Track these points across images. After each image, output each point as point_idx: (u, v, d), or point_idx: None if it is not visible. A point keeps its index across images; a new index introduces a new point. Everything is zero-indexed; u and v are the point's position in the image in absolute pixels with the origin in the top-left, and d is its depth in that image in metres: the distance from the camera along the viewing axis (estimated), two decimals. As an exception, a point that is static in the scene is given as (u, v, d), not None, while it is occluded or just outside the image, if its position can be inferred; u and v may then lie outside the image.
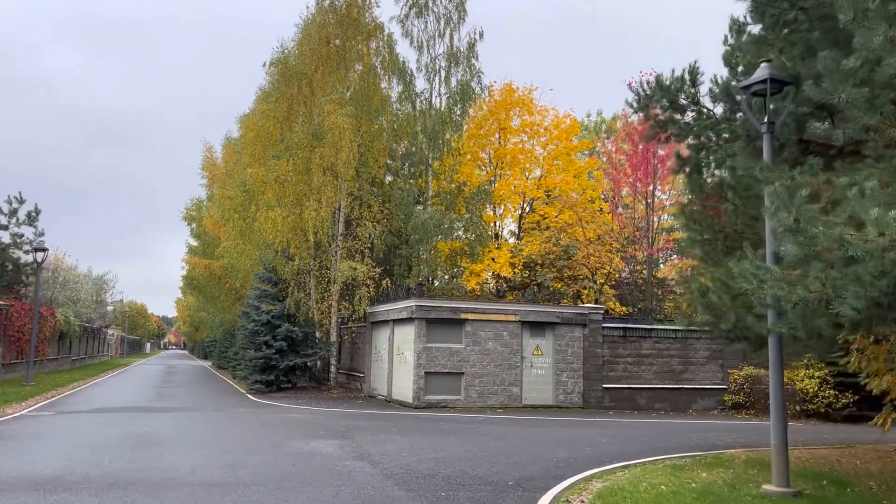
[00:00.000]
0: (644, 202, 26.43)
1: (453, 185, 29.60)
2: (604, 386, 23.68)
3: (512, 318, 22.94)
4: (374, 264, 27.38)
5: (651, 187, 26.05)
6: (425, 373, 21.94)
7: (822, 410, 22.40)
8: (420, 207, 28.20)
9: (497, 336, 22.76)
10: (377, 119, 28.55)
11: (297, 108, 27.90)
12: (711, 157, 11.16)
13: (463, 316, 22.44)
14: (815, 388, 22.34)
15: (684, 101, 12.47)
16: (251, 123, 31.10)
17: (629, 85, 13.04)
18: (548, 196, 31.05)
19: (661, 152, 26.05)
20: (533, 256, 27.89)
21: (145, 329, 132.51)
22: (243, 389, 28.19)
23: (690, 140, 12.50)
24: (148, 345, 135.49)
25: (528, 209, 31.87)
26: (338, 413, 19.96)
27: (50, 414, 18.38)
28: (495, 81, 31.64)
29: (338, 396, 26.16)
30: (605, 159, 33.79)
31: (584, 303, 25.79)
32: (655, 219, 26.65)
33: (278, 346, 26.94)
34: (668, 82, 12.75)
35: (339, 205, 28.17)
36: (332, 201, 26.86)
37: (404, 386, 22.94)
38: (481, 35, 30.01)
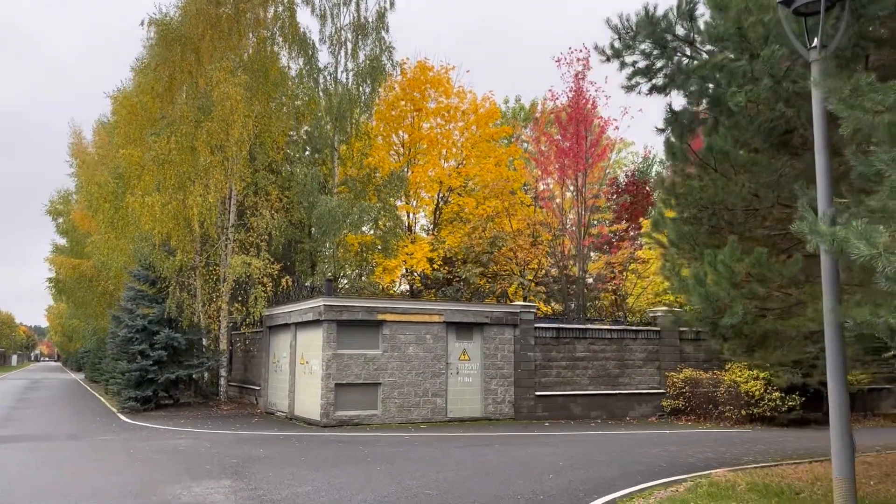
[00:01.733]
0: (574, 191, 24.16)
1: (363, 172, 26.36)
2: (536, 394, 21.10)
3: (436, 318, 19.97)
4: (272, 260, 23.71)
5: (582, 175, 23.79)
6: (336, 384, 18.62)
7: (768, 414, 20.72)
8: (326, 197, 24.79)
9: (419, 340, 19.73)
10: (275, 94, 24.91)
11: (181, 77, 23.87)
12: (737, 92, 8.52)
13: (380, 317, 19.27)
14: (761, 391, 20.63)
15: (679, 37, 9.93)
16: (126, 100, 26.72)
17: (607, 21, 10.40)
18: (464, 188, 28.38)
19: (591, 136, 23.88)
20: (455, 250, 25.09)
21: (11, 340, 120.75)
22: (115, 408, 23.81)
23: (692, 87, 9.99)
24: (14, 357, 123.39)
25: (445, 199, 29.06)
26: (230, 437, 16.33)
27: None
28: (408, 58, 28.70)
29: (229, 414, 22.35)
30: (526, 147, 31.48)
31: (511, 301, 23.18)
32: (584, 210, 24.39)
33: (157, 355, 22.81)
34: (655, 16, 10.19)
35: (230, 191, 24.32)
36: (221, 186, 23.02)
37: (310, 401, 19.51)
38: (392, 4, 27.00)
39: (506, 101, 34.00)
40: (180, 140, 22.52)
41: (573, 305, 24.49)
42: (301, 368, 20.48)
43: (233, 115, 22.34)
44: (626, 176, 31.59)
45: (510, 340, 20.96)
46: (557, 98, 24.53)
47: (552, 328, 21.75)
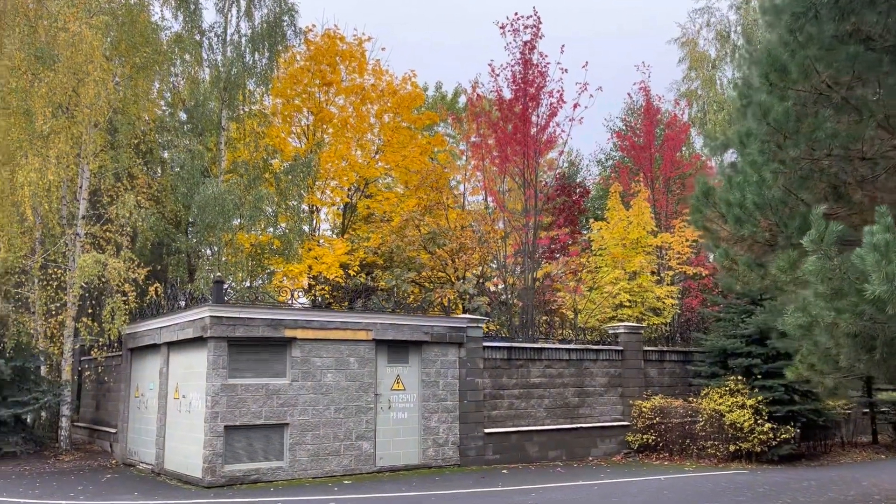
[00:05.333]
0: (521, 182, 20.08)
1: (258, 156, 21.16)
2: (486, 431, 16.65)
3: (363, 335, 15.14)
4: (136, 261, 18.02)
5: (531, 161, 19.78)
6: (225, 427, 13.35)
7: (758, 450, 17.29)
8: (212, 180, 19.42)
9: (341, 363, 14.82)
10: (144, 50, 19.34)
11: (14, 20, 17.86)
12: None
13: (289, 333, 14.22)
14: (751, 422, 17.16)
15: None
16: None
17: None
18: (382, 181, 23.78)
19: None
20: (380, 252, 20.38)
21: None
22: None
23: None
24: None
25: (361, 193, 24.27)
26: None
27: None
28: (314, 25, 23.90)
29: (70, 467, 16.40)
30: (452, 137, 27.51)
31: (451, 314, 18.70)
32: (536, 203, 20.38)
33: (-33, 390, 16.55)
34: None
35: (82, 171, 18.44)
36: (67, 161, 17.18)
37: (188, 449, 14.09)
38: (295, -48, 22.21)
39: (425, 89, 29.84)
40: (7, 98, 16.61)
41: (516, 321, 20.33)
42: (175, 405, 15.01)
43: (86, 66, 16.71)
44: (555, 178, 28.09)
45: (454, 363, 16.44)
46: (498, 74, 20.52)
47: (503, 347, 17.43)
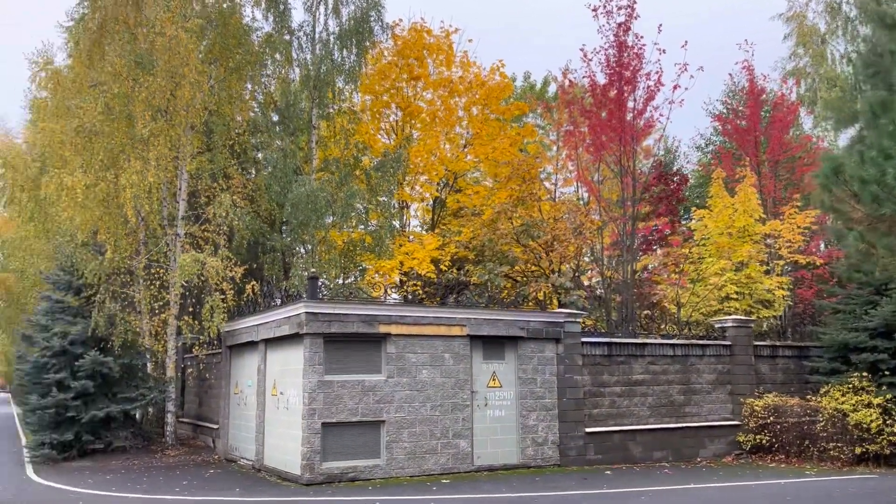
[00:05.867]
0: (618, 170, 19.20)
1: (349, 153, 21.14)
2: (586, 430, 15.96)
3: (457, 331, 14.76)
4: (233, 260, 18.30)
5: (628, 148, 18.82)
6: (322, 424, 13.25)
7: (887, 452, 15.86)
8: (304, 177, 19.51)
9: (435, 360, 14.50)
10: (237, 51, 19.63)
11: (114, 27, 18.45)
12: None
13: (383, 329, 14.00)
14: (878, 422, 15.75)
15: None
16: (46, 64, 21.30)
17: None
18: (472, 174, 23.35)
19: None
20: (470, 246, 19.96)
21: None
22: (28, 456, 18.02)
23: None
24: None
25: (450, 187, 23.93)
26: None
27: None
28: (401, 20, 23.72)
29: (176, 462, 16.81)
30: (543, 128, 26.82)
31: (546, 309, 18.05)
32: (634, 192, 19.44)
33: (80, 386, 17.19)
34: None
35: (180, 171, 18.90)
36: (166, 163, 17.60)
37: (286, 446, 14.11)
38: (381, -50, 22.04)
39: (513, 79, 29.15)
40: (111, 103, 17.15)
41: (614, 316, 19.47)
42: (273, 402, 15.08)
43: (182, 69, 17.06)
44: (652, 166, 26.86)
45: (552, 360, 15.83)
46: (591, 59, 19.69)
47: (602, 343, 16.67)
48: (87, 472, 15.37)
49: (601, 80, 19.81)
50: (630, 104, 19.51)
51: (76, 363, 17.43)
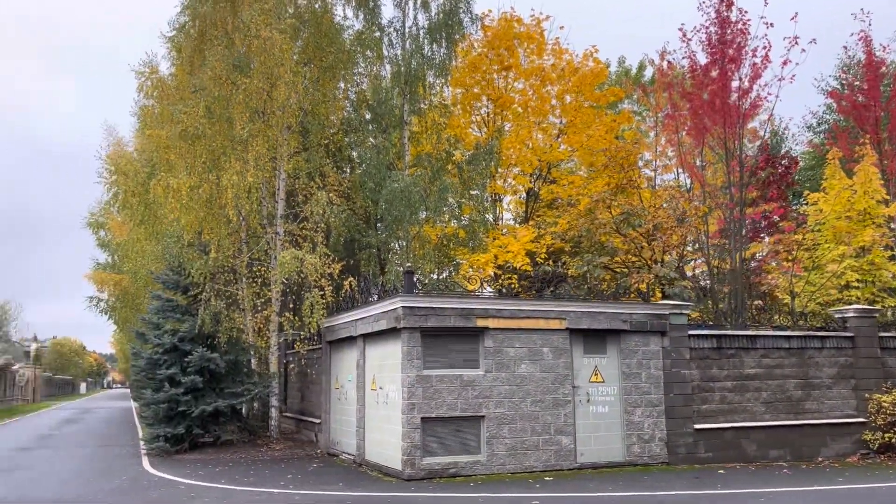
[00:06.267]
0: (724, 154, 18.15)
1: (441, 147, 21.02)
2: (695, 427, 15.18)
3: (556, 324, 14.33)
4: (331, 256, 18.51)
5: (734, 130, 17.75)
6: (422, 419, 13.14)
7: None
8: (397, 173, 19.54)
9: (534, 354, 14.13)
10: (329, 49, 19.84)
11: (213, 33, 19.04)
12: None
13: (480, 323, 13.75)
14: None
15: None
16: (153, 73, 22.19)
17: None
18: (566, 163, 22.73)
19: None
20: (566, 237, 19.42)
21: (80, 368, 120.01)
22: (145, 448, 18.89)
23: None
24: (83, 385, 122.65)
25: (544, 178, 23.41)
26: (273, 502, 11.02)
27: None
28: (490, 10, 23.35)
29: (281, 455, 17.17)
30: (639, 114, 25.87)
31: (649, 301, 17.31)
32: (741, 176, 18.37)
33: (190, 382, 17.84)
34: None
35: (278, 171, 19.30)
36: (264, 162, 17.99)
37: (386, 441, 14.10)
38: (468, -58, 21.75)
39: (607, 65, 28.21)
40: (212, 106, 17.66)
41: (722, 307, 18.47)
42: (373, 396, 15.12)
43: (277, 70, 17.37)
44: (759, 148, 25.39)
45: (657, 353, 15.14)
46: (691, 38, 18.73)
47: (711, 336, 15.81)
48: (199, 464, 15.90)
49: (702, 59, 18.82)
50: (734, 84, 18.43)
51: (185, 359, 18.09)
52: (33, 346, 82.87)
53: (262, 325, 19.40)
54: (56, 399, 76.98)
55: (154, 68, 21.76)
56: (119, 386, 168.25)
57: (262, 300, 19.08)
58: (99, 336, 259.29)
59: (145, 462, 16.56)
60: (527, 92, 22.81)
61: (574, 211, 19.92)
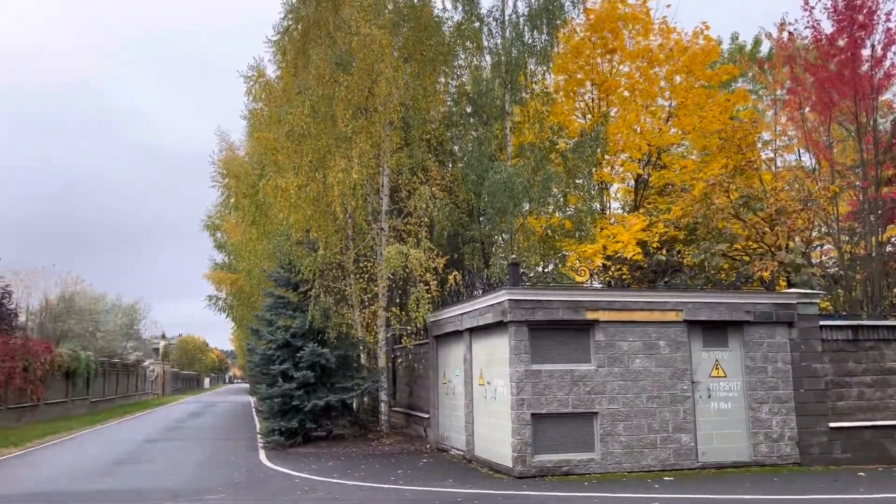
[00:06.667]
0: (856, 128, 16.68)
1: (543, 136, 20.49)
2: (830, 425, 14.00)
3: (672, 315, 13.58)
4: (434, 250, 18.40)
5: (865, 106, 16.29)
6: (532, 415, 12.76)
7: None
8: (500, 164, 19.18)
9: (649, 347, 13.44)
10: (429, 43, 19.72)
11: (315, 34, 19.34)
12: None
13: (590, 315, 13.20)
14: None
15: None
16: (259, 76, 22.85)
17: None
18: (676, 147, 21.62)
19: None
20: (680, 225, 18.45)
21: (203, 364, 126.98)
22: (261, 441, 19.49)
23: None
24: (207, 380, 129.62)
25: (653, 164, 22.41)
26: (386, 499, 10.95)
27: None
28: (590, -9, 22.40)
29: (392, 450, 17.21)
30: (757, 91, 24.33)
31: (774, 290, 16.14)
32: (877, 152, 16.82)
33: (302, 376, 18.22)
34: None
35: (381, 168, 19.38)
36: (368, 159, 18.08)
37: (495, 437, 13.80)
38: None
39: (719, 42, 26.64)
40: (316, 105, 17.91)
41: (856, 295, 17.00)
42: (481, 391, 14.86)
43: (378, 65, 17.40)
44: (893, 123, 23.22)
45: (784, 346, 14.06)
46: (814, 6, 17.30)
47: (846, 327, 14.55)
48: (311, 458, 16.17)
49: (827, 28, 17.38)
50: (865, 52, 16.91)
51: (297, 355, 18.48)
52: (162, 343, 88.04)
53: (369, 321, 19.56)
54: (183, 393, 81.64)
55: (261, 72, 22.38)
56: (239, 381, 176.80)
57: (370, 295, 19.22)
58: (220, 333, 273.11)
59: (262, 455, 17.02)
60: (633, 75, 21.87)
61: (688, 197, 18.89)
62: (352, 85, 17.55)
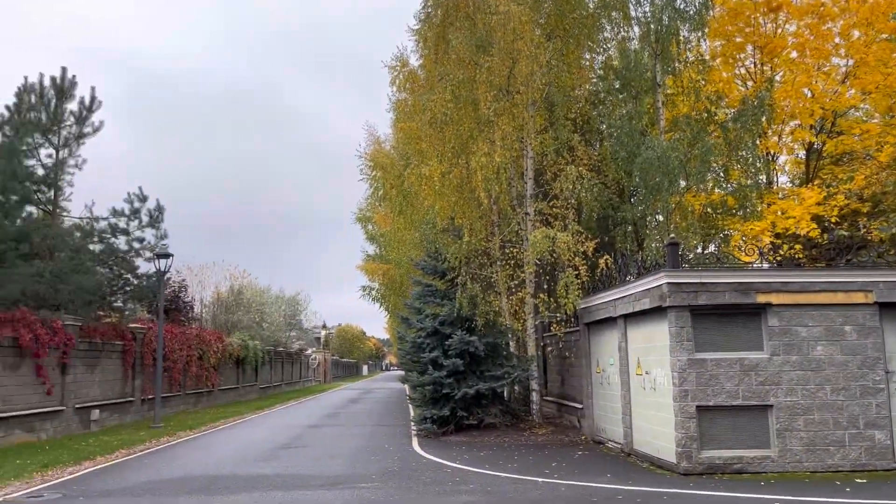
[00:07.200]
0: None
1: (700, 107, 18.99)
2: None
3: (859, 297, 12.00)
4: (583, 233, 17.56)
5: None
6: (697, 408, 11.73)
7: None
8: (653, 138, 17.98)
9: (833, 334, 11.96)
10: (571, 17, 18.83)
11: (455, 16, 19.03)
12: None
13: (761, 298, 11.94)
14: None
15: None
16: (403, 65, 22.92)
17: None
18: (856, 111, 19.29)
19: None
20: (864, 196, 16.45)
21: (361, 352, 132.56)
22: (414, 429, 19.63)
23: None
24: (365, 367, 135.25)
25: (827, 132, 20.19)
26: (542, 495, 10.43)
27: (54, 498, 10.87)
28: (749, -52, 20.45)
29: (544, 441, 16.66)
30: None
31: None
32: None
33: (451, 365, 18.08)
34: None
35: (525, 149, 18.78)
36: (511, 140, 17.53)
37: (656, 430, 12.87)
38: None
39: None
40: (456, 90, 17.60)
41: None
42: (638, 381, 13.94)
43: (517, 43, 16.79)
44: None
45: None
46: None
47: None
48: (463, 447, 15.97)
49: None
50: None
51: (446, 343, 18.37)
52: (322, 332, 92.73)
53: (517, 308, 19.08)
54: (342, 380, 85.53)
55: (404, 61, 22.42)
56: (395, 368, 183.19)
57: (516, 282, 18.74)
58: (376, 322, 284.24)
59: (414, 443, 17.06)
60: (802, 33, 19.70)
61: (872, 164, 16.76)
62: (492, 66, 17.07)
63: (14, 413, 17.49)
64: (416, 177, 17.76)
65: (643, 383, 13.59)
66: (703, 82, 19.64)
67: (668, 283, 11.94)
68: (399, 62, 22.72)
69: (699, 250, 19.98)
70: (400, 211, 22.81)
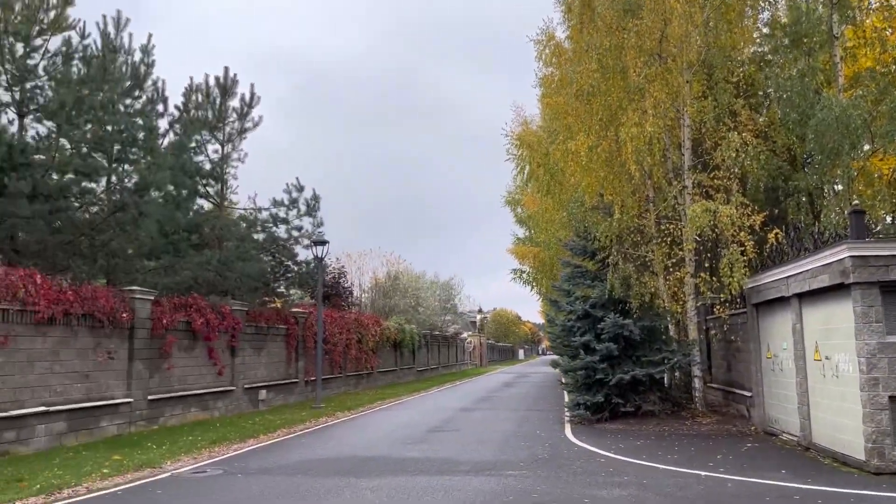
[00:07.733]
0: None
1: (888, 58, 16.69)
2: None
3: None
4: (749, 206, 16.01)
5: None
6: (890, 398, 10.22)
7: None
8: (830, 96, 16.02)
9: None
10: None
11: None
12: None
13: (971, 272, 10.17)
14: None
15: None
16: (556, 47, 22.10)
17: None
18: None
19: None
20: None
21: (517, 336, 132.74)
22: (567, 415, 18.99)
23: None
24: (521, 351, 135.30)
25: None
26: (708, 492, 9.52)
27: (216, 474, 11.42)
28: None
29: (708, 431, 15.43)
30: None
31: None
32: None
33: (604, 349, 17.23)
34: None
35: (681, 117, 17.42)
36: (665, 108, 16.29)
37: (840, 423, 11.41)
38: None
39: None
40: (603, 59, 16.62)
41: None
42: (816, 368, 12.45)
43: (669, 1, 15.51)
44: None
45: None
46: None
47: None
48: (619, 435, 15.15)
49: None
50: None
51: (598, 326, 17.53)
52: (478, 316, 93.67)
53: (676, 289, 17.82)
54: (498, 364, 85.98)
55: (550, 34, 21.66)
56: (550, 352, 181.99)
57: (674, 261, 17.49)
58: (530, 306, 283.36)
59: (567, 429, 16.43)
60: None
61: None
62: (642, 30, 15.93)
63: (191, 392, 18.81)
64: (561, 153, 17.04)
65: (823, 370, 12.11)
66: (891, 30, 17.26)
67: (852, 257, 10.47)
68: (545, 35, 21.97)
69: (888, 220, 17.66)
70: (547, 191, 22.12)
